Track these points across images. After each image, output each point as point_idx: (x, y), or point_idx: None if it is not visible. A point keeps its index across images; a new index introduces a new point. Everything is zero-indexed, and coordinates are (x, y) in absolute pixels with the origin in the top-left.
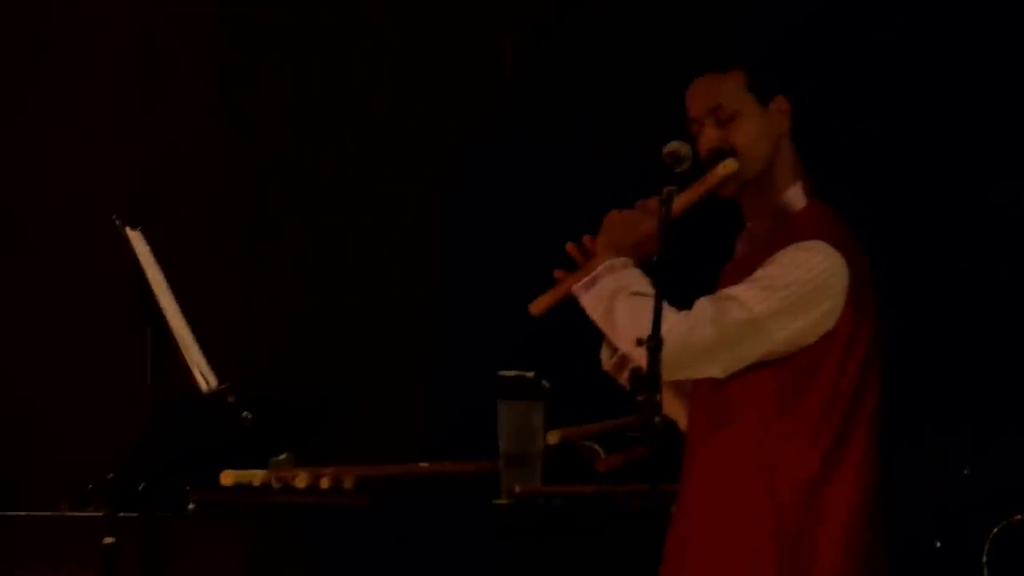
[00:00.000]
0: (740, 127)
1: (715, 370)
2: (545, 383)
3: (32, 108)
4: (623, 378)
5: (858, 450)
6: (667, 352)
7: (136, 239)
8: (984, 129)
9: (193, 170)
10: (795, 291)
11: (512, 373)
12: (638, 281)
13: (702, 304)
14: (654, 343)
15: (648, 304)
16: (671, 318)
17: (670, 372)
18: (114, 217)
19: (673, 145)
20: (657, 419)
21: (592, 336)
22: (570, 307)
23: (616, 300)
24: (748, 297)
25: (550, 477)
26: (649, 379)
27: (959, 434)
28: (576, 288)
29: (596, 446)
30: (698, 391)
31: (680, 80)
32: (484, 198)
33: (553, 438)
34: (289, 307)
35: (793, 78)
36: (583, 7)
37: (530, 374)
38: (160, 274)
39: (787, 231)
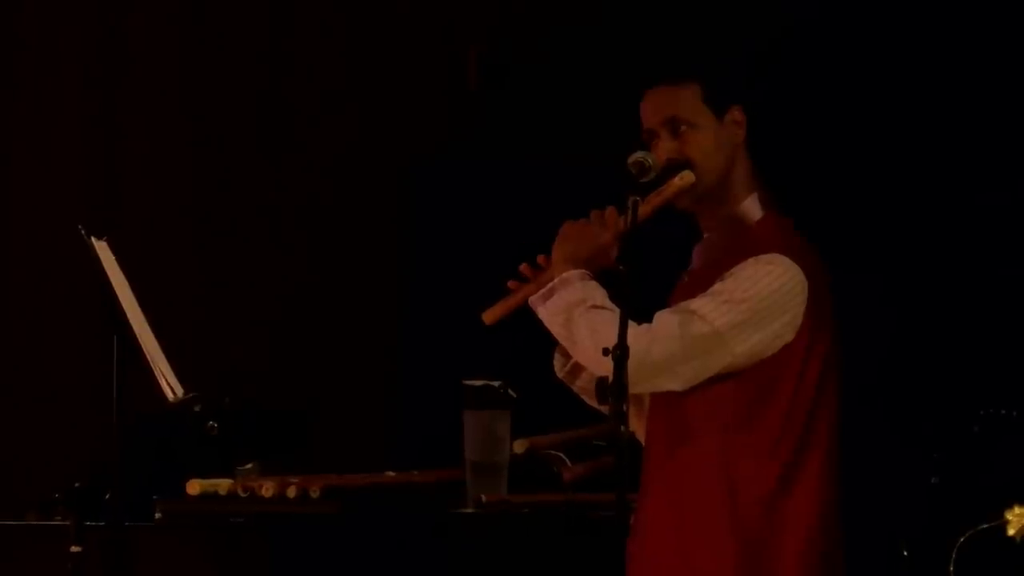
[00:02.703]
0: (695, 139)
1: (675, 384)
2: (511, 392)
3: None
4: (576, 386)
5: (816, 461)
6: (628, 365)
7: (102, 249)
8: (963, 133)
9: (158, 179)
10: (754, 304)
11: (478, 382)
12: (596, 293)
13: (662, 317)
14: (620, 353)
15: (608, 317)
16: (632, 331)
17: (631, 385)
18: (79, 227)
19: (638, 155)
20: (623, 428)
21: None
22: (534, 316)
23: (575, 313)
24: (708, 311)
25: (516, 486)
26: (615, 389)
27: (926, 442)
28: (533, 300)
29: (562, 455)
30: (656, 405)
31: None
32: (449, 207)
33: (519, 447)
34: (254, 317)
35: (749, 89)
36: (549, 19)
37: (496, 383)
38: (126, 284)
39: (744, 243)
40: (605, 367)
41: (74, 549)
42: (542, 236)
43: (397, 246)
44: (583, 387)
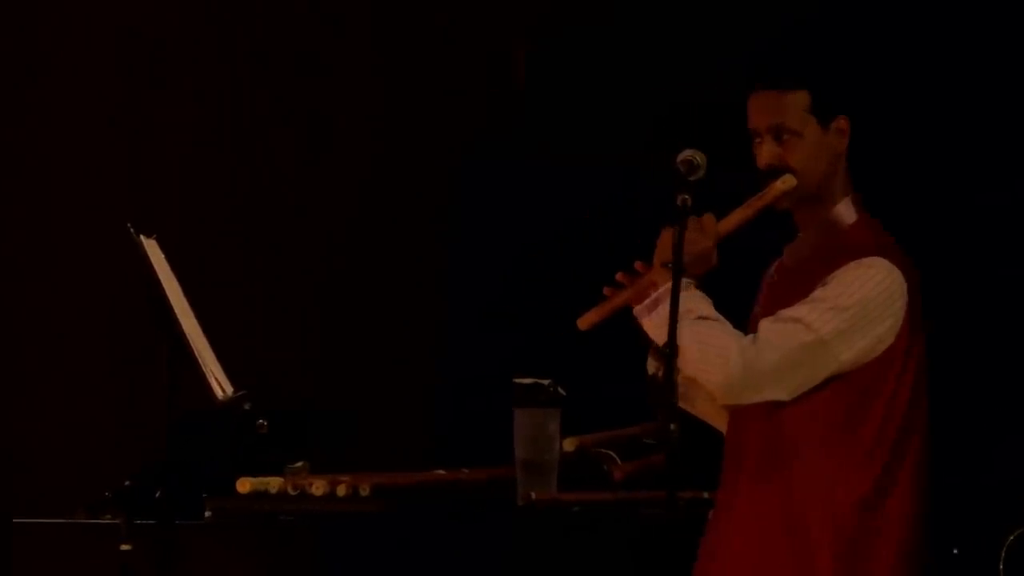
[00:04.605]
0: (798, 147)
1: (782, 393)
2: (561, 390)
3: (41, 115)
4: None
5: (912, 464)
6: (734, 377)
7: (151, 247)
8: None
9: (206, 177)
10: (859, 310)
11: (527, 380)
12: (701, 304)
13: (767, 327)
14: (670, 351)
15: (714, 327)
16: (737, 343)
17: (737, 397)
18: (128, 225)
19: (687, 153)
20: (673, 426)
21: (609, 344)
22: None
23: (683, 324)
24: (813, 319)
25: (566, 484)
26: (665, 387)
27: (977, 440)
28: (638, 310)
29: (612, 453)
30: (753, 412)
31: (689, 90)
32: (497, 205)
33: (569, 445)
34: (304, 315)
35: (855, 98)
36: (597, 17)
37: (546, 381)
38: (175, 282)
39: (840, 246)
40: (711, 376)
41: (124, 547)
42: (592, 232)
43: (444, 245)
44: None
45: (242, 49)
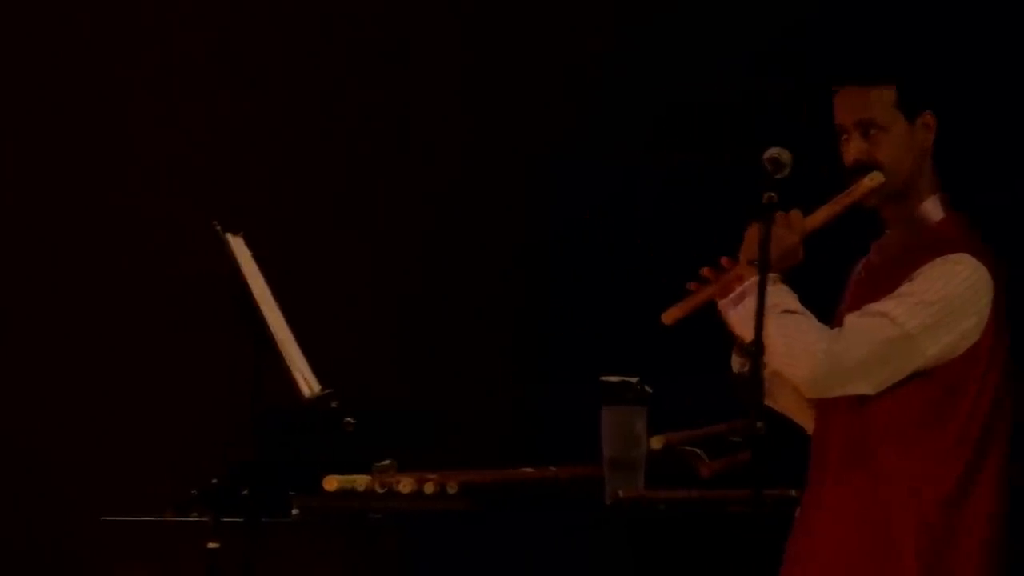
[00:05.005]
0: (886, 142)
1: (867, 388)
2: (648, 388)
3: (133, 113)
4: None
5: (995, 461)
6: (820, 372)
7: (237, 244)
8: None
9: (295, 175)
10: (945, 306)
11: (615, 378)
12: (787, 298)
13: (853, 322)
14: (756, 348)
15: (800, 321)
16: (823, 336)
17: (823, 391)
18: (215, 223)
19: (773, 151)
20: (759, 424)
21: (697, 341)
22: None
23: (768, 318)
24: (899, 313)
25: (653, 482)
26: (752, 384)
27: None
28: (723, 304)
29: (699, 451)
30: (838, 406)
31: (778, 83)
32: (587, 203)
33: (656, 443)
34: (393, 312)
35: (942, 93)
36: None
37: (633, 379)
38: (261, 279)
39: (928, 242)
40: (797, 370)
41: (211, 545)
42: (681, 229)
43: (533, 243)
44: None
45: (332, 48)
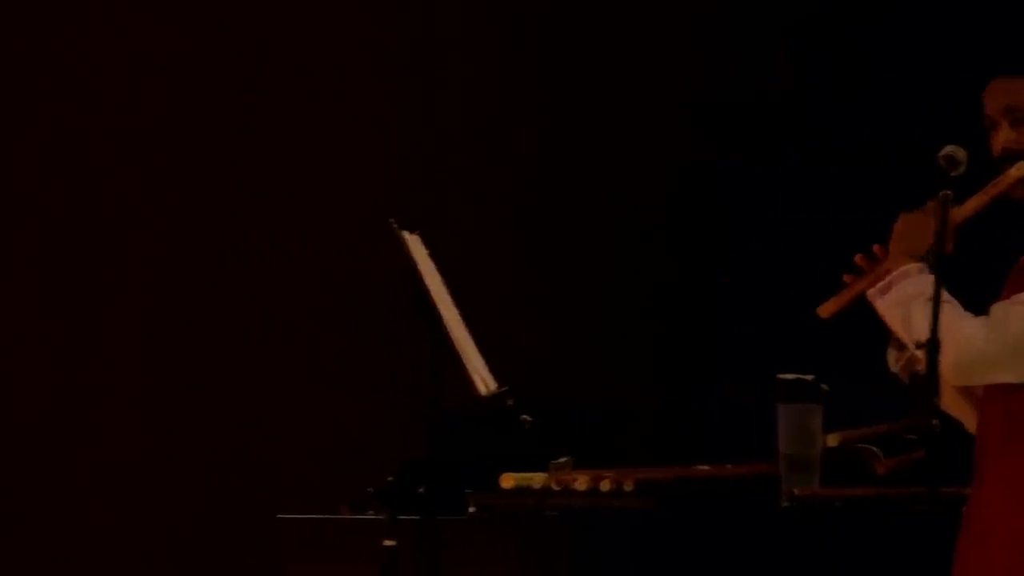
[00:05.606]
0: None
1: (1012, 376)
2: (824, 386)
3: (307, 110)
4: (911, 381)
5: None
6: (964, 358)
7: (414, 242)
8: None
9: (470, 174)
10: None
11: (791, 376)
12: (933, 288)
13: (998, 310)
14: (932, 346)
15: (946, 309)
16: (968, 325)
17: (966, 378)
18: (391, 221)
19: (949, 149)
20: (934, 422)
21: (869, 338)
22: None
23: (913, 306)
24: None
25: (829, 480)
26: (927, 382)
27: None
28: (870, 293)
29: (875, 449)
30: (991, 396)
31: (952, 85)
32: (759, 202)
33: (832, 441)
34: (568, 309)
35: None
36: (861, 12)
37: (809, 377)
38: (438, 277)
39: None
40: (943, 357)
41: (387, 543)
42: (855, 225)
43: (708, 242)
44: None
45: (507, 47)
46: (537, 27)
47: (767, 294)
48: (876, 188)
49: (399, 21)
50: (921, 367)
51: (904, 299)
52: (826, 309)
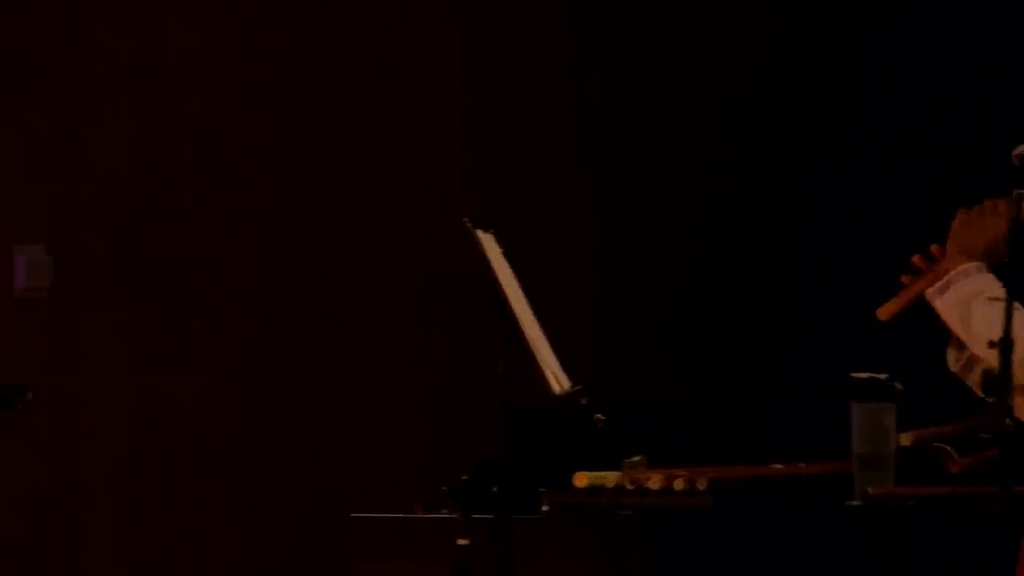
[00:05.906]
0: None
1: None
2: (897, 385)
3: (385, 112)
4: (970, 380)
5: None
6: (1019, 356)
7: (487, 241)
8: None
9: (540, 170)
10: None
11: (864, 375)
12: (992, 286)
13: None
14: (1005, 345)
15: (1004, 309)
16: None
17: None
18: (466, 220)
19: (1023, 148)
20: (1008, 421)
21: (940, 338)
22: (921, 309)
23: (971, 305)
24: None
25: (902, 479)
26: (1000, 381)
27: None
28: (929, 293)
29: (949, 448)
30: None
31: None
32: (833, 200)
33: (906, 439)
34: (642, 309)
35: None
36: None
37: (882, 376)
38: (512, 276)
39: None
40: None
41: (461, 542)
42: (925, 223)
43: (780, 241)
44: (979, 381)
45: (573, 48)
46: (602, 26)
47: (835, 293)
48: (933, 186)
49: (464, 24)
50: (984, 366)
51: (963, 298)
52: (885, 311)
